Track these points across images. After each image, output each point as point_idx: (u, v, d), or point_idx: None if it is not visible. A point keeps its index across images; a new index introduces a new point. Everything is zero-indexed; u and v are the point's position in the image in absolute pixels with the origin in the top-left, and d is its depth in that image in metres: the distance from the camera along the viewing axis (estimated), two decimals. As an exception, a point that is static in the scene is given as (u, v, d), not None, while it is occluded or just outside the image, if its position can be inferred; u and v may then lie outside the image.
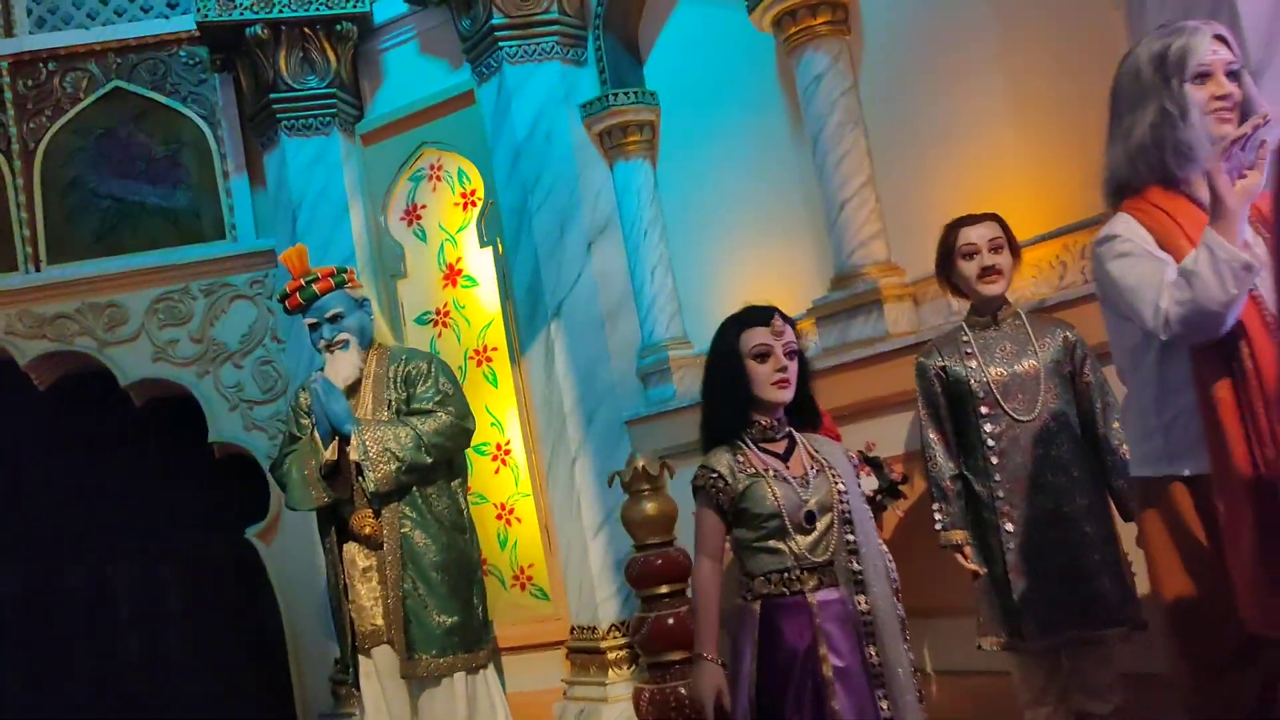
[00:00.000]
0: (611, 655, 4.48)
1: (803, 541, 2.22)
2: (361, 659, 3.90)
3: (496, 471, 4.99)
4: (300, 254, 3.94)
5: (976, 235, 2.95)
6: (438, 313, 5.14)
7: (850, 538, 2.24)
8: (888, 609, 2.22)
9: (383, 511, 3.83)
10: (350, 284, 4.01)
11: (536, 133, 4.80)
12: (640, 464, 4.03)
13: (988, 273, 2.93)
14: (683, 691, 3.83)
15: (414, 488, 3.85)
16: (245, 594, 5.71)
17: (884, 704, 2.16)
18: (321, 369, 4.13)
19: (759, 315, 2.35)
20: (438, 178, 5.19)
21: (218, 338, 5.28)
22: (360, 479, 3.84)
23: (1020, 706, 2.94)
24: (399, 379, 3.96)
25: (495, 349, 5.00)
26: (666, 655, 3.89)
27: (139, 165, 5.44)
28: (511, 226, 4.86)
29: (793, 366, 2.32)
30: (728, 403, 2.32)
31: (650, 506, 4.01)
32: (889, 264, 3.89)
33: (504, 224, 4.90)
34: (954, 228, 3.00)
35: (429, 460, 3.82)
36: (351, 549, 3.90)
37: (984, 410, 2.89)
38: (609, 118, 4.79)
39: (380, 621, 3.86)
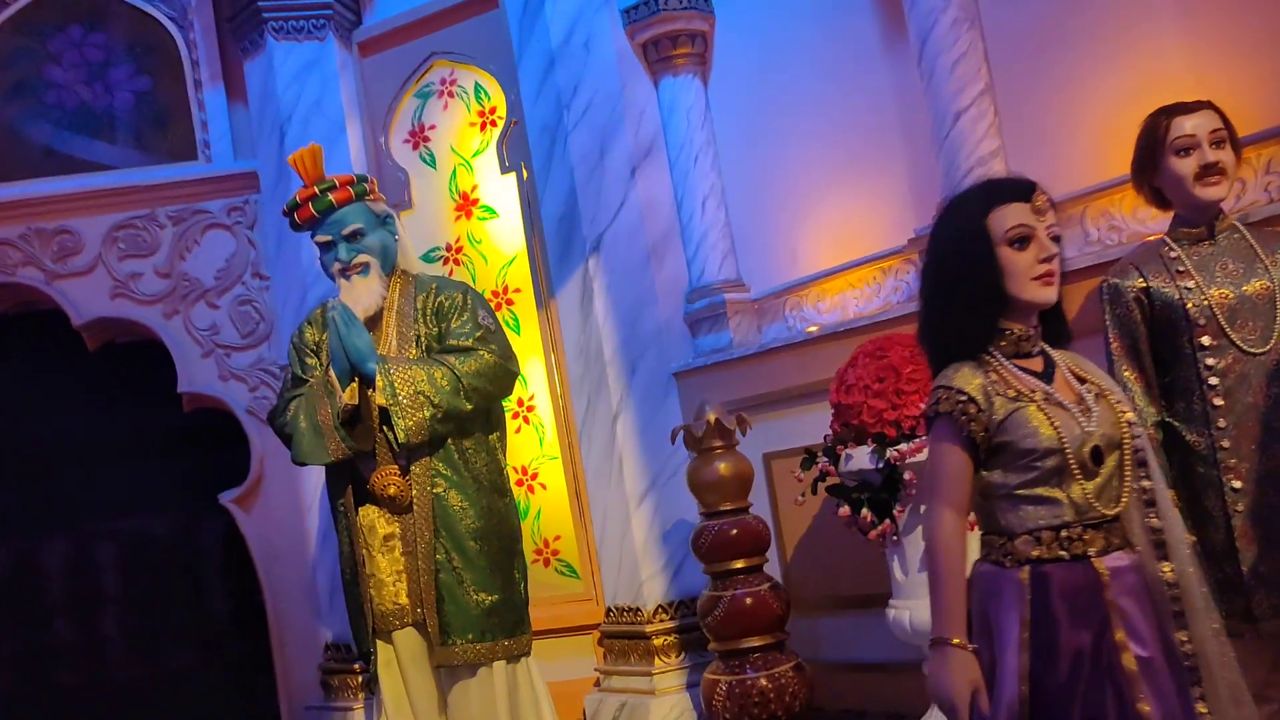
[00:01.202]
0: (658, 641, 3.88)
1: (1088, 487, 1.64)
2: (380, 644, 3.25)
3: (518, 430, 4.34)
4: (314, 155, 3.26)
5: (1193, 125, 2.40)
6: (449, 249, 4.47)
7: (1145, 484, 1.67)
8: (1195, 578, 1.65)
9: (412, 468, 3.19)
10: (372, 196, 3.35)
11: (574, 40, 4.15)
12: (712, 416, 3.44)
13: (1209, 171, 2.38)
14: (764, 683, 3.26)
15: (449, 440, 3.22)
16: (211, 571, 5.01)
17: (1201, 706, 1.60)
18: (323, 306, 3.46)
19: (1016, 187, 1.76)
20: (450, 94, 4.52)
21: (189, 272, 4.54)
22: (385, 428, 3.19)
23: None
24: (429, 311, 3.32)
25: (518, 290, 4.35)
26: (744, 641, 3.31)
27: (95, 72, 4.67)
28: (542, 148, 4.21)
29: (1058, 256, 1.75)
30: (971, 304, 1.73)
31: (723, 467, 3.42)
32: (1011, 187, 3.33)
33: (532, 146, 4.25)
34: (1163, 117, 2.44)
35: (468, 407, 3.19)
36: (370, 513, 3.25)
37: (1205, 341, 2.34)
38: (655, 25, 4.17)
39: (405, 600, 3.22)
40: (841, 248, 3.85)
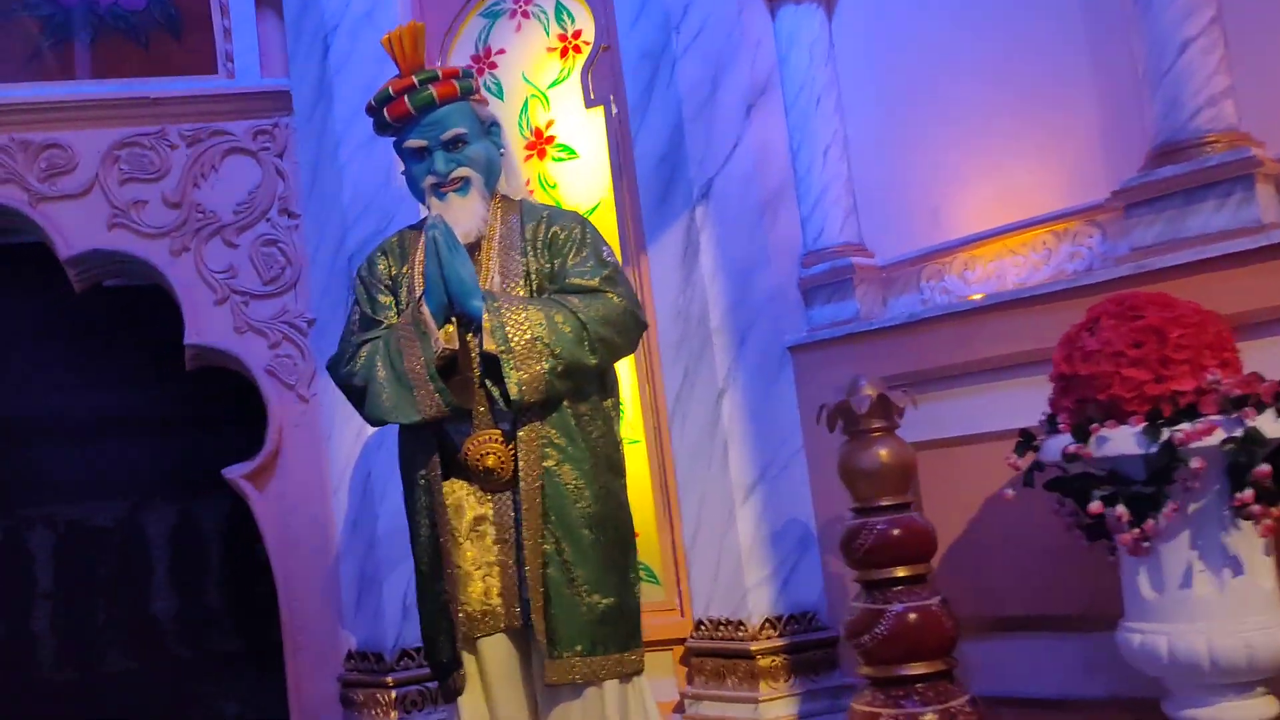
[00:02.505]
0: (765, 662, 3.27)
1: None
2: (463, 655, 2.59)
3: (592, 407, 3.69)
4: (415, 36, 2.61)
5: None
6: (516, 192, 3.81)
7: None
8: None
9: (518, 434, 2.54)
10: (477, 96, 2.71)
11: (687, -48, 3.55)
12: (873, 392, 2.84)
13: None
14: (932, 719, 2.66)
15: (564, 402, 2.58)
16: (209, 561, 4.28)
17: None
18: (399, 234, 2.81)
19: None
20: (524, 13, 3.88)
21: (204, 203, 3.83)
22: (488, 382, 2.55)
23: None
24: (539, 243, 2.68)
25: (599, 243, 3.71)
26: (908, 667, 2.70)
27: (99, -37, 3.95)
28: (640, 78, 3.60)
29: None
30: None
31: (885, 453, 2.82)
32: (1242, 133, 2.80)
33: (627, 75, 3.64)
34: None
35: (592, 361, 2.56)
36: (458, 490, 2.60)
37: None
38: (777, -57, 3.60)
39: (496, 600, 2.58)
40: (998, 207, 3.29)
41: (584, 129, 3.77)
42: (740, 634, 3.32)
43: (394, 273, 2.74)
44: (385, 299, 2.72)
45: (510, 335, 2.47)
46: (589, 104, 3.75)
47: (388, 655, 3.53)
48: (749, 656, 3.27)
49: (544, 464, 2.54)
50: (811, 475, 3.42)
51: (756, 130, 3.56)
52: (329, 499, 3.75)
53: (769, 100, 3.63)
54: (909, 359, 3.24)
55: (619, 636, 2.58)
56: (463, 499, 2.60)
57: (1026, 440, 2.47)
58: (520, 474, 2.53)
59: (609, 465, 2.66)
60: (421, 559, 2.64)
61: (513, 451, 2.56)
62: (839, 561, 3.35)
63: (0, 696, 5.24)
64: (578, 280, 2.61)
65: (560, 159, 3.80)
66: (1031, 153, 3.24)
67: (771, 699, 3.22)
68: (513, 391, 2.46)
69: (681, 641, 3.50)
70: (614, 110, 3.70)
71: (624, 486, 2.72)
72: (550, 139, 3.81)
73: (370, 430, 3.61)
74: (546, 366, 2.48)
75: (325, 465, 3.76)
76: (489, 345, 2.48)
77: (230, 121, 3.87)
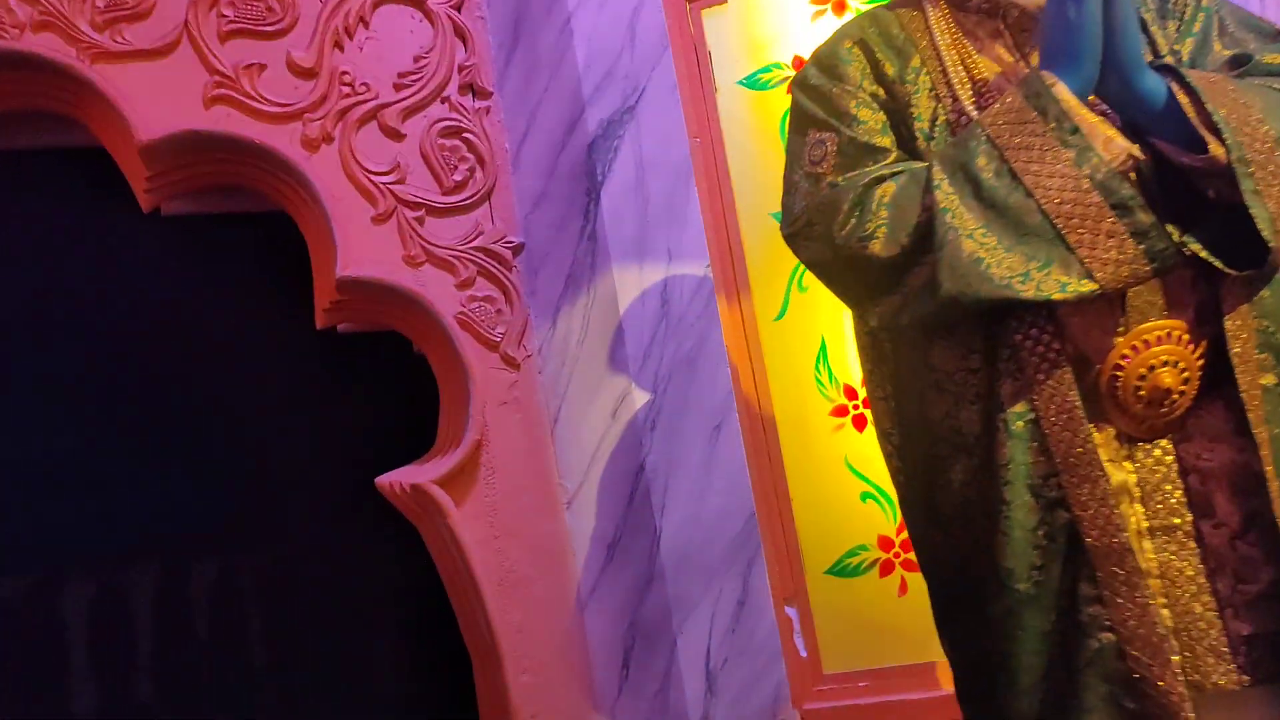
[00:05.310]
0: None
1: None
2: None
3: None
4: None
5: None
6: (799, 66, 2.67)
7: None
8: None
9: (1226, 324, 1.39)
10: None
11: None
12: None
13: None
14: None
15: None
16: (385, 603, 2.87)
17: None
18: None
19: None
20: None
21: (352, 73, 2.53)
22: (1169, 230, 1.39)
23: None
24: (1154, 10, 1.57)
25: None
26: None
27: None
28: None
29: None
30: None
31: None
32: None
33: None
34: None
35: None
36: (1106, 448, 1.42)
37: None
38: None
39: (1217, 645, 1.39)
40: None
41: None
42: None
43: (887, 72, 1.56)
44: (870, 116, 1.54)
45: (1239, 137, 1.32)
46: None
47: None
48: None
49: (1262, 381, 1.39)
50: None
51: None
52: (558, 512, 2.47)
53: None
54: None
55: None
56: (1112, 459, 1.41)
57: None
58: (1243, 397, 1.37)
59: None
60: (1018, 570, 1.42)
61: (1200, 360, 1.39)
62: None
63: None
64: (1274, 57, 1.48)
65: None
66: None
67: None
68: (1266, 232, 1.30)
69: None
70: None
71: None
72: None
73: (639, 400, 2.37)
74: (1317, 201, 1.34)
75: (549, 461, 2.48)
76: (1215, 150, 1.32)
77: (382, -45, 2.61)
